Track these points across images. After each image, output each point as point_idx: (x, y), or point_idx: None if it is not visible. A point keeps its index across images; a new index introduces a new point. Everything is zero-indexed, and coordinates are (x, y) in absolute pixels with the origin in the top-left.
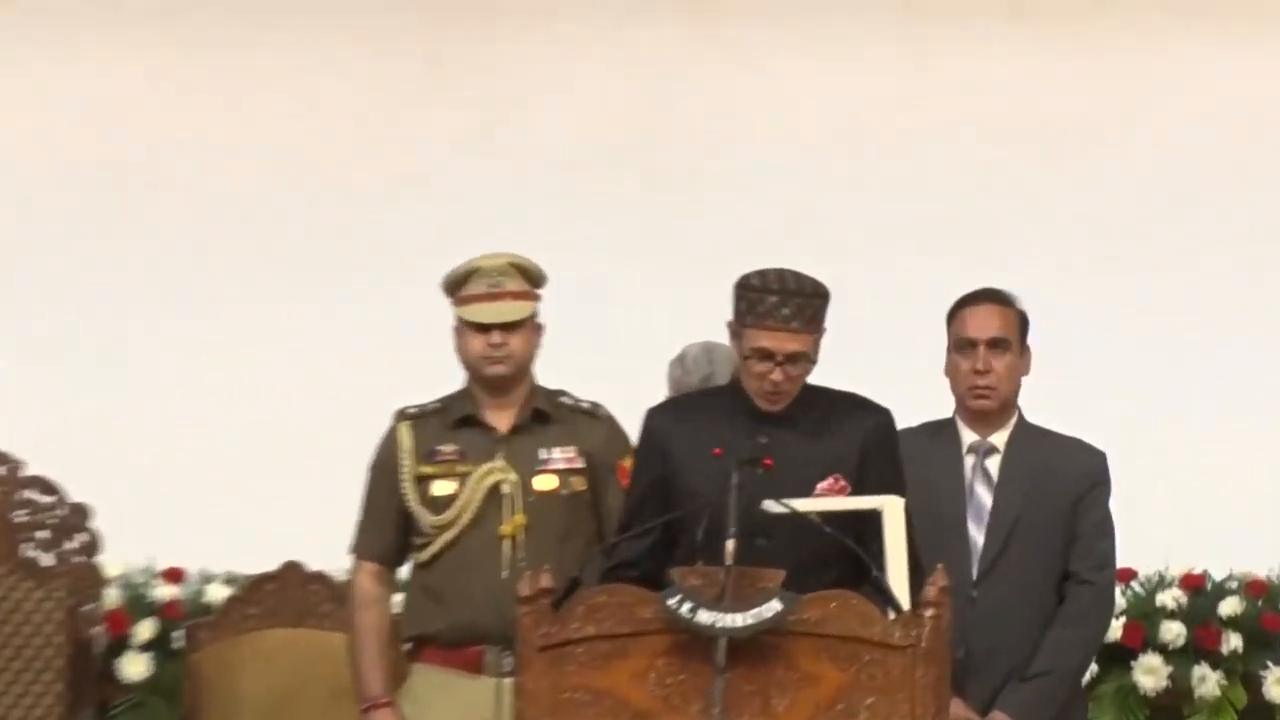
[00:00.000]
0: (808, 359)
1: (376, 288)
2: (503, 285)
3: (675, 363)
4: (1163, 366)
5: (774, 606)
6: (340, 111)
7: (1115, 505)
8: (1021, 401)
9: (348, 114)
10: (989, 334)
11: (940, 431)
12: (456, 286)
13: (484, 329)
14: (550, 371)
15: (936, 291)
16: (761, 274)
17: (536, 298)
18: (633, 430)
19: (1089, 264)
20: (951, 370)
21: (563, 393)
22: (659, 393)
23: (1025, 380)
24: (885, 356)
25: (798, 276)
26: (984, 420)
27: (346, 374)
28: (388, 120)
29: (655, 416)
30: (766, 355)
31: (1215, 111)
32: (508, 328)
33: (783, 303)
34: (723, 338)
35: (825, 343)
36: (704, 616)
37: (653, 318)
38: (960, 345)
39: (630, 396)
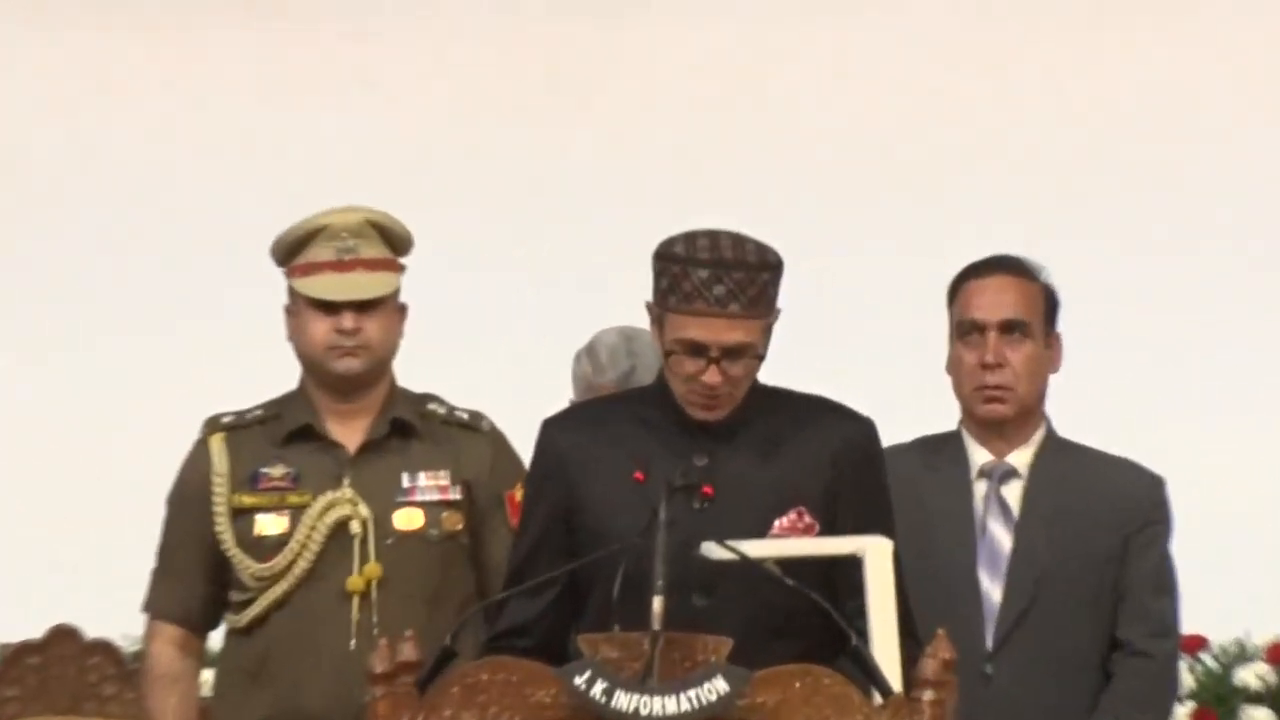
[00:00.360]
0: (754, 353)
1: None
2: (357, 251)
3: (583, 355)
4: (1232, 372)
5: (717, 687)
6: None
7: (1179, 550)
8: (1052, 409)
9: None
10: (1002, 315)
11: (941, 449)
12: (292, 251)
13: (331, 309)
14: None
15: (929, 275)
16: (689, 239)
17: (400, 269)
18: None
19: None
20: (954, 366)
21: (432, 398)
22: None
23: (1054, 379)
24: (872, 353)
25: (738, 242)
26: (998, 433)
27: (141, 385)
28: None
29: (554, 430)
30: (697, 349)
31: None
32: (363, 308)
33: (716, 278)
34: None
35: (790, 335)
36: (622, 701)
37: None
38: (964, 331)
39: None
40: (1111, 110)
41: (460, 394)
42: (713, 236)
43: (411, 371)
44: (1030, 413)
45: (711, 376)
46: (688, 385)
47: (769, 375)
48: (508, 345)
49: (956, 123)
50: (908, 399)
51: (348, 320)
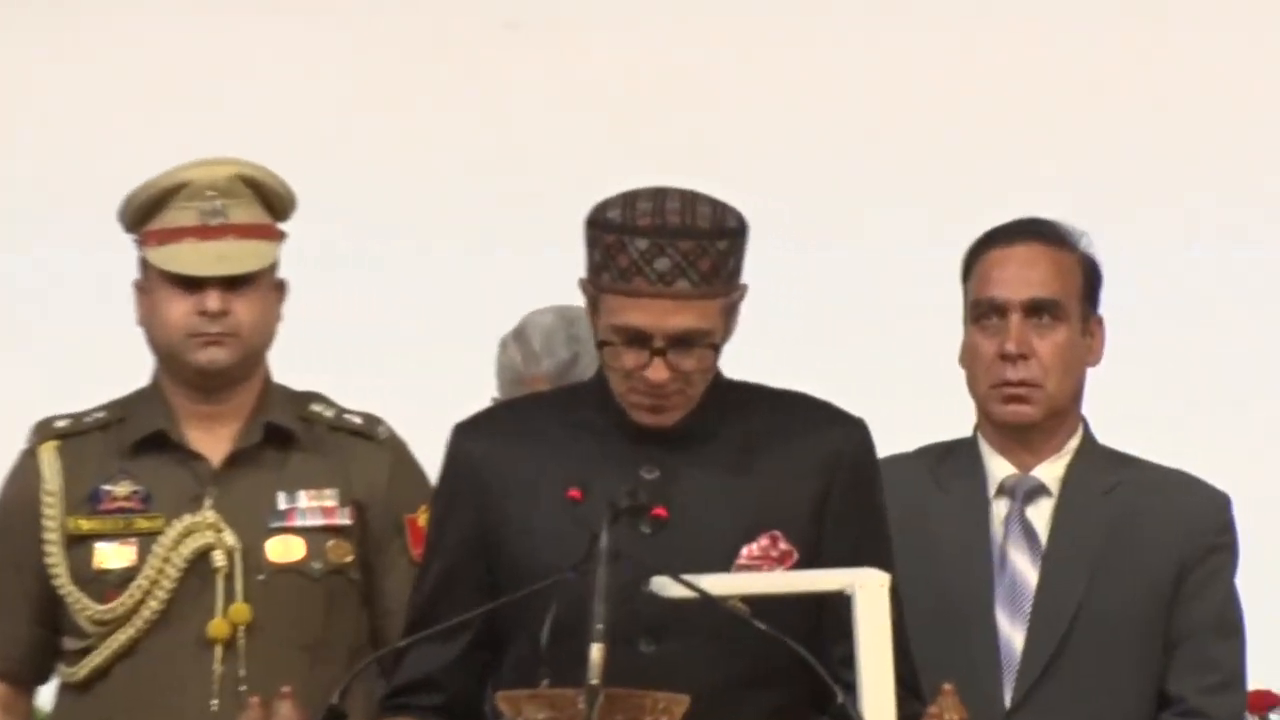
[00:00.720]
0: (709, 342)
1: None
2: (226, 214)
3: (510, 341)
4: None
5: None
6: None
7: (1245, 585)
8: (1090, 411)
9: None
10: (1027, 293)
11: (952, 460)
12: (146, 214)
13: (192, 286)
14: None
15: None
16: (627, 201)
17: (279, 236)
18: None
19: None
20: (969, 356)
21: (316, 397)
22: None
23: (1093, 374)
24: (866, 342)
25: (689, 203)
26: (1022, 441)
27: None
28: None
29: (467, 437)
30: (637, 338)
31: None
32: (233, 285)
33: (658, 249)
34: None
35: (770, 322)
36: None
37: None
38: (981, 313)
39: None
40: (1164, 90)
41: (355, 395)
42: (657, 197)
43: (294, 368)
44: (1062, 415)
45: (656, 372)
46: (628, 383)
47: (741, 370)
48: (413, 332)
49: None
50: (911, 397)
51: (213, 300)
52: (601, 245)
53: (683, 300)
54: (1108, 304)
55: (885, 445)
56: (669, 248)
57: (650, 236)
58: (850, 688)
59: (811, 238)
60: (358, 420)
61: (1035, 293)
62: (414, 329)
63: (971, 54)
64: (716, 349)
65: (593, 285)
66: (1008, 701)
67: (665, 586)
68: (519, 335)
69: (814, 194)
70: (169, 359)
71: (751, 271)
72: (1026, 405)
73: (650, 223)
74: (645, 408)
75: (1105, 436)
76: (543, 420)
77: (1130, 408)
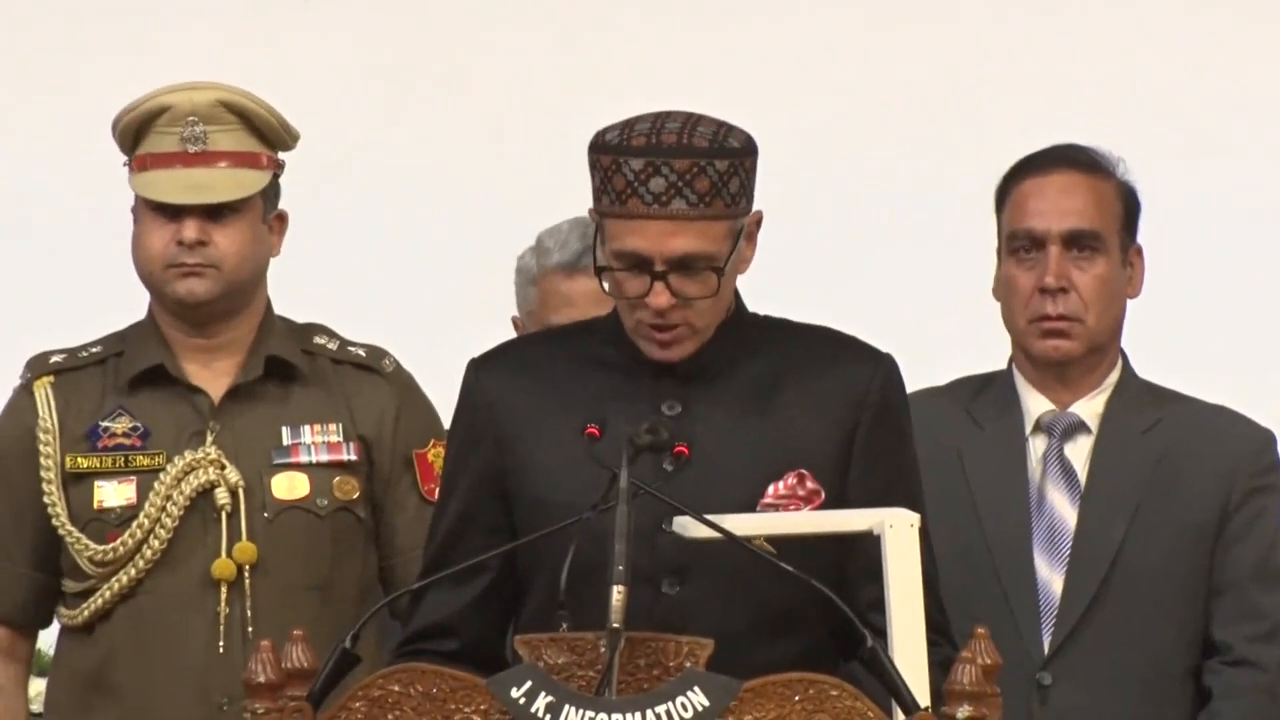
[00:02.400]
0: (711, 265)
1: None
2: (206, 141)
3: (527, 253)
4: None
5: (695, 702)
6: None
7: None
8: (1129, 345)
9: None
10: (1067, 224)
11: (986, 395)
12: (132, 138)
13: (173, 214)
14: None
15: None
16: (627, 124)
17: (273, 165)
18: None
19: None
20: (1004, 289)
21: (318, 329)
22: None
23: (1133, 305)
24: (893, 274)
25: (690, 123)
26: (1060, 376)
27: None
28: None
29: (482, 373)
30: (636, 262)
31: None
32: (213, 214)
33: (653, 168)
34: None
35: (797, 261)
36: (573, 719)
37: None
38: (1017, 244)
39: None
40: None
41: (371, 329)
42: (658, 119)
43: (305, 298)
44: (1102, 350)
45: (658, 298)
46: (634, 314)
47: (764, 304)
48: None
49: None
50: (941, 330)
51: (190, 230)
52: (600, 169)
53: (680, 221)
54: (1146, 234)
55: (915, 379)
56: (664, 167)
57: (644, 155)
58: (879, 632)
59: (836, 164)
60: (362, 353)
61: (1074, 223)
62: (425, 258)
63: None
64: (720, 273)
65: (595, 212)
66: (1046, 647)
67: (688, 527)
68: (539, 244)
69: (838, 119)
70: (153, 290)
71: (775, 201)
72: (1067, 340)
73: (645, 143)
74: (654, 341)
75: (1144, 371)
76: (559, 355)
77: (1171, 339)
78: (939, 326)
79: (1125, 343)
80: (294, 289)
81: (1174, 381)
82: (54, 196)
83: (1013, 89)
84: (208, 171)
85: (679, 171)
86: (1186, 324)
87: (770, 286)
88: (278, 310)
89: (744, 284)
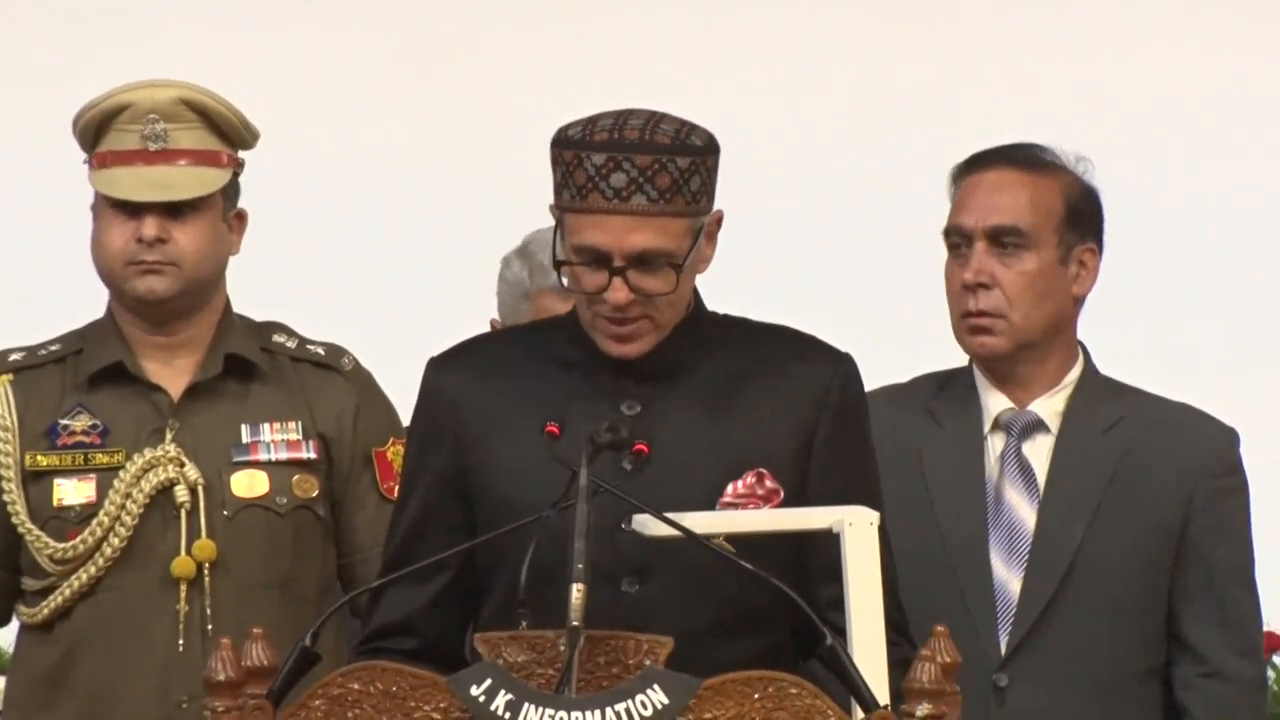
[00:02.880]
0: (671, 261)
1: None
2: (167, 139)
3: (514, 258)
4: None
5: (654, 700)
6: None
7: (1254, 526)
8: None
9: None
10: (990, 220)
11: (945, 392)
12: (93, 136)
13: (133, 212)
14: None
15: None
16: (590, 120)
17: (233, 164)
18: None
19: None
20: (946, 284)
21: (277, 327)
22: None
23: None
24: (855, 275)
25: (653, 121)
26: (1011, 374)
27: None
28: None
29: (442, 372)
30: (596, 257)
31: None
32: (173, 212)
33: (614, 163)
34: None
35: (760, 261)
36: (532, 717)
37: None
38: (951, 240)
39: None
40: None
41: (331, 329)
42: (620, 115)
43: (267, 298)
44: (1038, 347)
45: (616, 293)
46: (593, 309)
47: (725, 304)
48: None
49: None
50: (900, 330)
51: (150, 227)
52: (561, 163)
53: (640, 217)
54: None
55: (875, 377)
56: (625, 162)
57: (606, 151)
58: (839, 631)
59: (804, 164)
60: (321, 351)
61: (997, 220)
62: (386, 258)
63: None
64: (679, 270)
65: (556, 206)
66: (1003, 648)
67: (648, 525)
68: (523, 251)
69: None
70: (113, 288)
71: (737, 200)
72: (991, 336)
73: (608, 138)
74: (611, 336)
75: (1109, 367)
76: (519, 354)
77: (1136, 336)
78: (904, 323)
79: (1099, 340)
80: (251, 287)
81: (1143, 380)
82: (8, 195)
83: (983, 89)
84: (168, 169)
85: (640, 167)
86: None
87: (732, 286)
88: (238, 309)
89: (705, 282)
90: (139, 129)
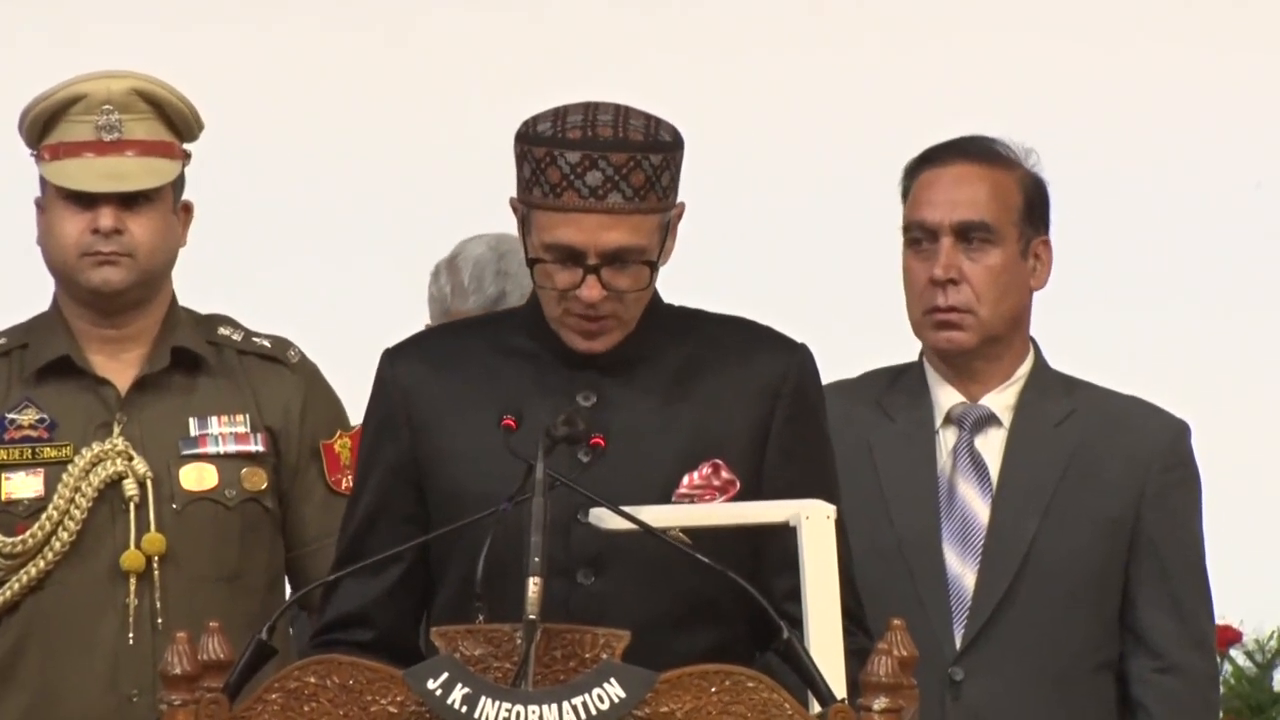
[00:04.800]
0: (644, 258)
1: None
2: (122, 130)
3: (443, 270)
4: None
5: (611, 694)
6: None
7: (1206, 520)
8: (1044, 333)
9: None
10: (958, 215)
11: (896, 386)
12: (43, 127)
13: (86, 203)
14: None
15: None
16: (558, 114)
17: (182, 156)
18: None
19: None
20: (904, 281)
21: (223, 320)
22: None
23: (1039, 297)
24: (808, 266)
25: (621, 116)
26: (966, 369)
27: None
28: None
29: (396, 364)
30: (570, 256)
31: None
32: (128, 203)
33: (590, 162)
34: None
35: (715, 252)
36: (489, 711)
37: None
38: (912, 236)
39: None
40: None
41: (276, 319)
42: (588, 110)
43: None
44: (1003, 341)
45: (590, 290)
46: (562, 305)
47: (683, 296)
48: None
49: None
50: (856, 321)
51: (106, 218)
52: (531, 160)
53: (616, 215)
54: (1064, 229)
55: (830, 370)
56: (601, 160)
57: (581, 149)
58: (795, 622)
59: (758, 156)
60: (266, 344)
61: (965, 215)
62: (337, 249)
63: None
64: (652, 267)
65: (523, 203)
66: (958, 642)
67: (604, 518)
68: (450, 265)
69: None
70: (64, 280)
71: (696, 193)
72: (959, 331)
73: (581, 135)
74: (579, 331)
75: (1059, 360)
76: (475, 346)
77: (1085, 328)
78: (852, 318)
79: (1048, 334)
80: (195, 280)
81: (1093, 373)
82: None
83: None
84: (121, 160)
85: (616, 165)
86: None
87: (691, 278)
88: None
89: (665, 273)
90: (93, 120)
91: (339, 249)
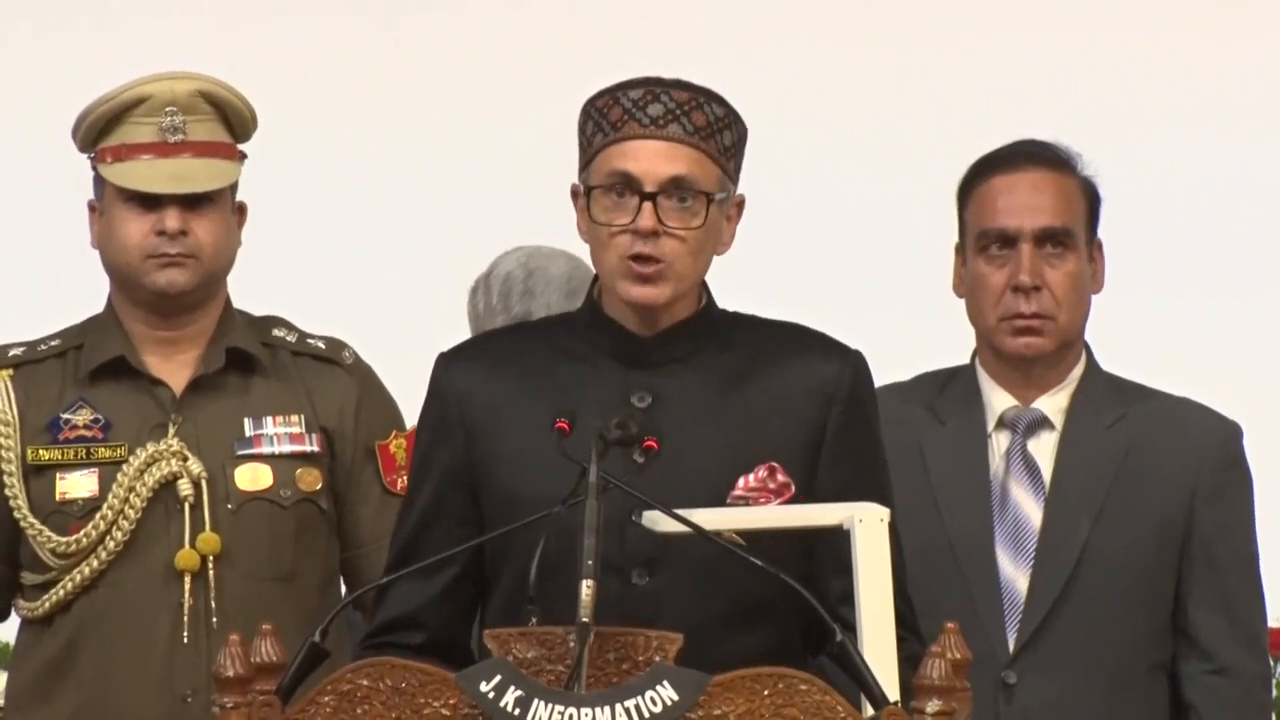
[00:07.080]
0: (704, 195)
1: None
2: (185, 131)
3: (480, 286)
4: None
5: (664, 696)
6: None
7: (1260, 521)
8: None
9: None
10: (1040, 222)
11: (949, 390)
12: (102, 130)
13: (151, 205)
14: None
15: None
16: (623, 82)
17: (240, 157)
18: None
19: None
20: (971, 287)
21: (277, 321)
22: None
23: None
24: (859, 273)
25: (684, 80)
26: (1026, 374)
27: None
28: None
29: (451, 367)
30: (628, 184)
31: None
32: (192, 204)
33: (653, 95)
34: None
35: (763, 258)
36: (542, 713)
37: None
38: (987, 243)
39: None
40: None
41: (339, 325)
42: (652, 79)
43: (270, 290)
44: (1071, 346)
45: (646, 219)
46: (617, 250)
47: (733, 299)
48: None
49: None
50: (905, 326)
51: (172, 220)
52: (594, 115)
53: (675, 144)
54: (1109, 228)
55: (882, 375)
56: (663, 95)
57: (643, 87)
58: (848, 626)
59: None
60: (321, 345)
61: (1047, 221)
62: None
63: None
64: (710, 200)
65: (583, 164)
66: (1011, 646)
67: (658, 521)
68: (484, 282)
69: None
70: (126, 282)
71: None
72: (1040, 337)
73: (643, 79)
74: (633, 276)
75: (1108, 362)
76: (529, 349)
77: (1135, 330)
78: (903, 323)
79: (1098, 336)
80: (248, 281)
81: (1144, 375)
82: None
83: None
84: (184, 162)
85: (678, 101)
86: (1156, 317)
87: (740, 281)
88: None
89: (713, 278)
90: (156, 121)
91: (389, 251)
